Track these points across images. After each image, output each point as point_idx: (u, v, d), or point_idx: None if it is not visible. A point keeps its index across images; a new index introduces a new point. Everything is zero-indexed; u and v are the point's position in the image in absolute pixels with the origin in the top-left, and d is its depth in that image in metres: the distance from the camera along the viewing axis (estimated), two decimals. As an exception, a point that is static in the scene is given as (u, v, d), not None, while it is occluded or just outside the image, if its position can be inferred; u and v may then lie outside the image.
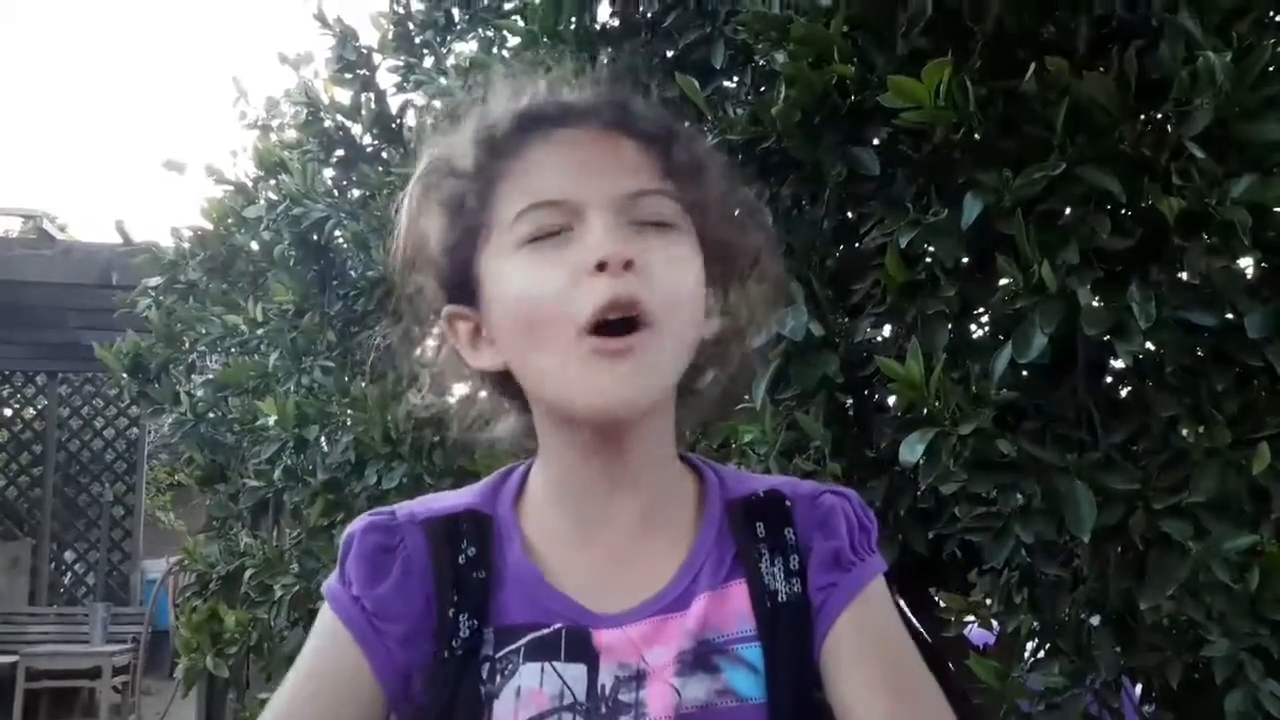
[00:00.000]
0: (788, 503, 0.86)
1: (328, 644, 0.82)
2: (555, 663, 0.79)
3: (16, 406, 9.16)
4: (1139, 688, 1.54)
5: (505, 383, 0.85)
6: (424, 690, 0.80)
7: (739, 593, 0.82)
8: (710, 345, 0.86)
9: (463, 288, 0.84)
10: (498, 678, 0.79)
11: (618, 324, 0.74)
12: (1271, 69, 1.19)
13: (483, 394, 0.90)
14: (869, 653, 0.80)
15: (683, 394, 0.86)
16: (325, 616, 0.83)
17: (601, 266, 0.74)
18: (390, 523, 0.84)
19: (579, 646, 0.80)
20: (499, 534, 0.84)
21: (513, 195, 0.80)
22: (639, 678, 0.79)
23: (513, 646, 0.80)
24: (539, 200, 0.78)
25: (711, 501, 0.86)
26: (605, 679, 0.79)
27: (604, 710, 0.78)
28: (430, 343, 0.90)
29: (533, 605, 0.81)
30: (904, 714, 0.78)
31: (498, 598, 0.81)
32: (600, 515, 0.83)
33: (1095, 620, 1.42)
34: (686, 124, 0.91)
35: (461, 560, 0.82)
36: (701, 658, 0.79)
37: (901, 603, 0.88)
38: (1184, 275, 1.33)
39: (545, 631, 0.80)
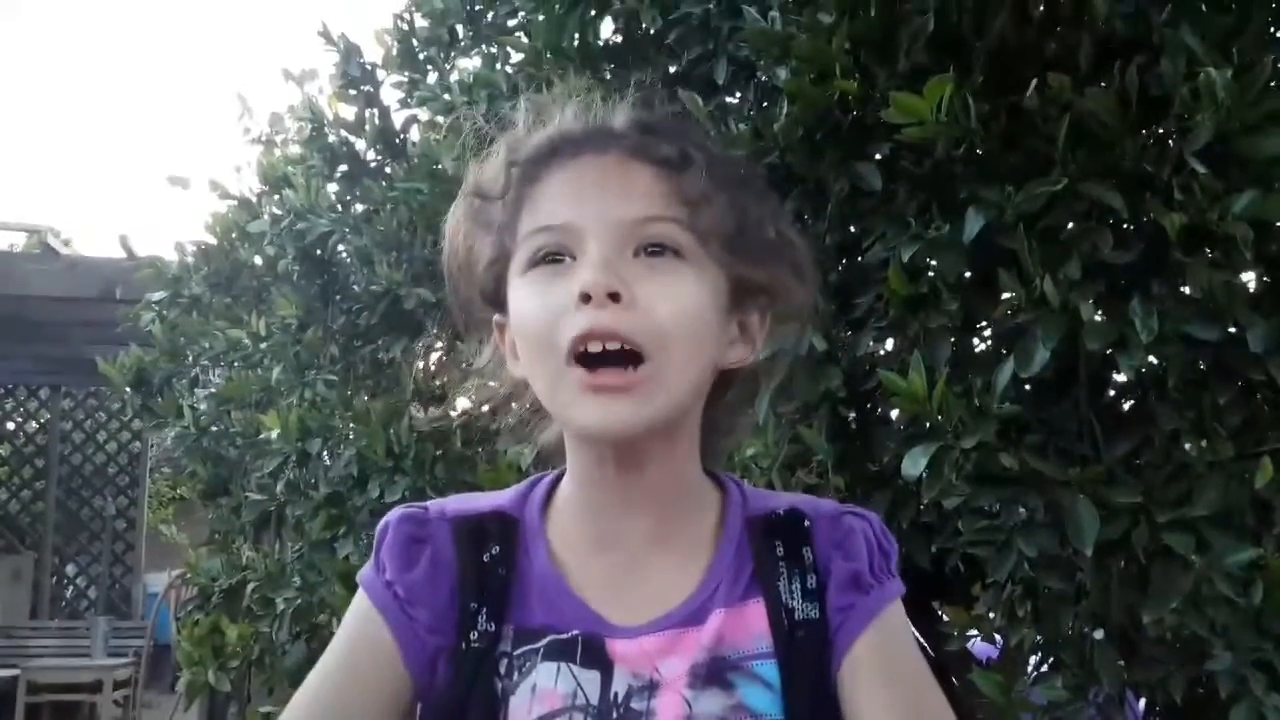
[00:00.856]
0: (807, 522, 0.86)
1: (361, 627, 0.84)
2: (571, 665, 0.81)
3: (19, 420, 9.16)
4: (1142, 702, 1.54)
5: None
6: (444, 681, 0.82)
7: (756, 610, 0.83)
8: (740, 373, 0.87)
9: (500, 303, 0.86)
10: (515, 674, 0.81)
11: (610, 355, 0.75)
12: (1272, 84, 1.20)
13: (518, 403, 0.92)
14: (885, 678, 0.81)
15: (709, 414, 0.87)
16: (359, 602, 0.85)
17: (586, 298, 0.75)
18: (423, 516, 0.87)
19: (594, 654, 0.81)
20: (525, 537, 0.86)
21: (527, 219, 0.82)
22: (652, 688, 0.80)
23: (531, 646, 0.82)
24: (541, 225, 0.80)
25: (732, 518, 0.87)
26: (619, 686, 0.80)
27: (615, 715, 0.79)
28: (483, 351, 0.92)
29: (552, 609, 0.83)
30: None
31: (518, 598, 0.84)
32: (617, 528, 0.85)
33: (1098, 634, 1.42)
34: (717, 148, 0.90)
35: (485, 559, 0.84)
36: (716, 673, 0.80)
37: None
38: (1186, 289, 1.33)
39: (563, 636, 0.82)
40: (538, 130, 0.86)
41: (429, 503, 0.88)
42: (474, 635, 0.82)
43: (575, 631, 0.82)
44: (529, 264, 0.80)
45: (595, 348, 0.75)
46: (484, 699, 0.80)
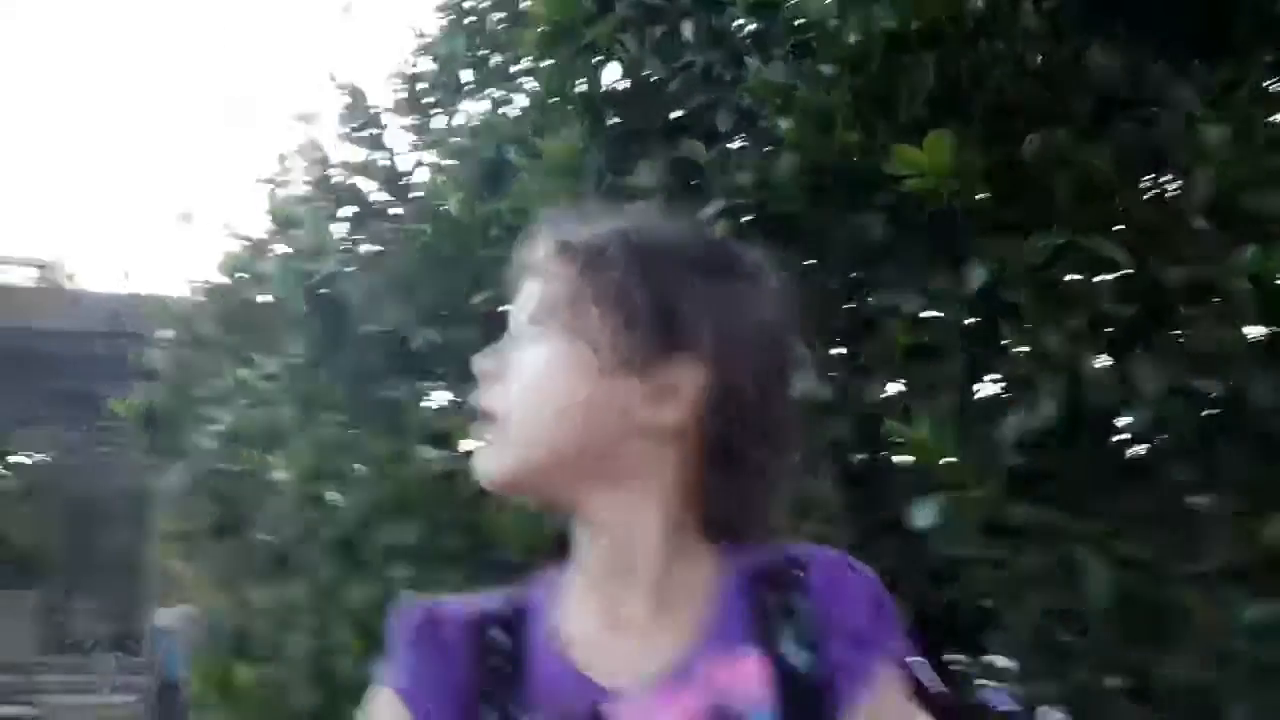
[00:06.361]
0: (799, 571, 0.87)
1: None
2: None
3: (27, 454, 9.18)
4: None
5: None
6: None
7: (753, 661, 0.84)
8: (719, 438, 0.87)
9: None
10: None
11: None
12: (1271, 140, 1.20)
13: None
14: None
15: (706, 483, 0.88)
16: (380, 697, 0.88)
17: None
18: (431, 611, 0.91)
19: None
20: (531, 623, 0.89)
21: None
22: None
23: None
24: None
25: (725, 572, 0.89)
26: None
27: None
28: None
29: (552, 684, 0.85)
30: None
31: (524, 683, 0.86)
32: (614, 599, 0.88)
33: (1113, 684, 1.41)
34: (604, 229, 0.93)
35: (494, 654, 0.88)
36: None
37: (924, 661, 0.89)
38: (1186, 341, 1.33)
39: (561, 707, 0.83)
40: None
41: (441, 599, 0.92)
42: None
43: (573, 702, 0.84)
44: None
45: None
46: None
